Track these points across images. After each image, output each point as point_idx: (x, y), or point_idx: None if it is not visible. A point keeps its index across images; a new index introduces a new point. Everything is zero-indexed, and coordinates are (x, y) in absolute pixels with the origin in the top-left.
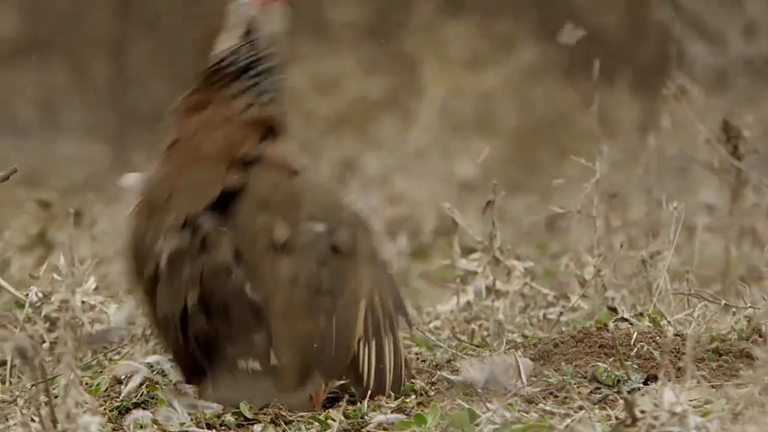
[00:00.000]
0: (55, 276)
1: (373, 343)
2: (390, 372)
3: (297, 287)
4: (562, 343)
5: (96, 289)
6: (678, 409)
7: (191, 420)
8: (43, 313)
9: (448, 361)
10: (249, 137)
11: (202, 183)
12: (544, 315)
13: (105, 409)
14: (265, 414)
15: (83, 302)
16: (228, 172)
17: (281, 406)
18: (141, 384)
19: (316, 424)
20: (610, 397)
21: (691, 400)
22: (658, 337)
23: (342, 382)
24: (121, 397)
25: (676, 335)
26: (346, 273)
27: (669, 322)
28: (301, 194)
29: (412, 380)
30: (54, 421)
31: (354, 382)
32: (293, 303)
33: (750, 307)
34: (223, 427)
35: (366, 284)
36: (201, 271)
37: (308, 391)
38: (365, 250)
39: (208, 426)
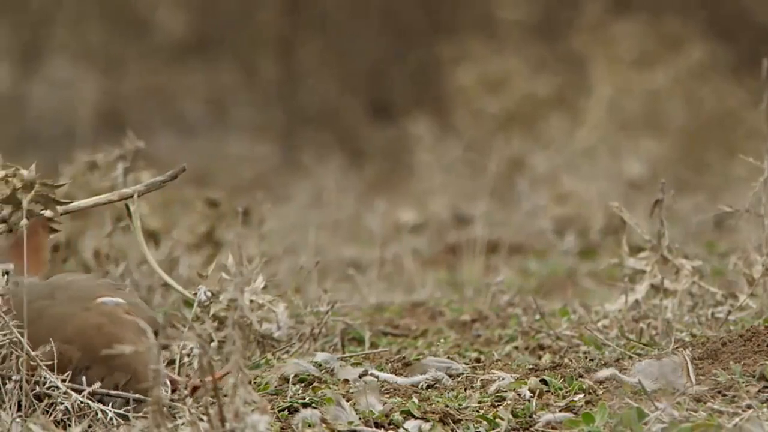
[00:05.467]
0: (224, 275)
1: None
2: None
3: None
4: (730, 341)
5: (264, 288)
6: None
7: (360, 419)
8: (211, 312)
9: (617, 360)
10: None
11: None
12: (713, 314)
13: (273, 407)
14: (433, 413)
15: (251, 301)
16: None
17: (449, 405)
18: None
19: (485, 423)
20: None
21: None
22: None
23: None
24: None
25: None
26: None
27: None
28: None
29: (580, 378)
30: (222, 420)
31: None
32: None
33: None
34: (391, 426)
35: None
36: None
37: None
38: None
39: (377, 425)
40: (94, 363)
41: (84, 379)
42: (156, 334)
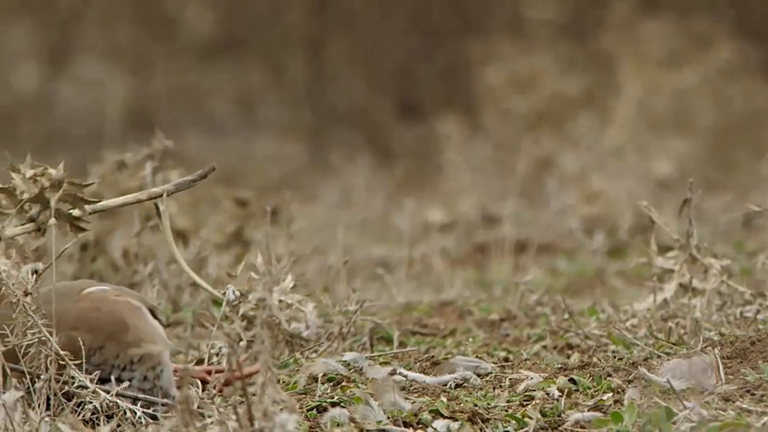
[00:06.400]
0: (252, 274)
1: None
2: None
3: None
4: (758, 341)
5: (293, 287)
6: None
7: (388, 418)
8: (240, 312)
9: (645, 360)
10: None
11: None
12: (741, 313)
13: (302, 407)
14: (462, 412)
15: (280, 301)
16: None
17: (477, 404)
18: None
19: (513, 422)
20: None
21: None
22: None
23: None
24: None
25: None
26: None
27: None
28: None
29: (608, 377)
30: (251, 419)
31: None
32: None
33: None
34: (420, 426)
35: None
36: None
37: None
38: None
39: (405, 424)
40: (106, 341)
41: (101, 360)
42: (150, 311)
